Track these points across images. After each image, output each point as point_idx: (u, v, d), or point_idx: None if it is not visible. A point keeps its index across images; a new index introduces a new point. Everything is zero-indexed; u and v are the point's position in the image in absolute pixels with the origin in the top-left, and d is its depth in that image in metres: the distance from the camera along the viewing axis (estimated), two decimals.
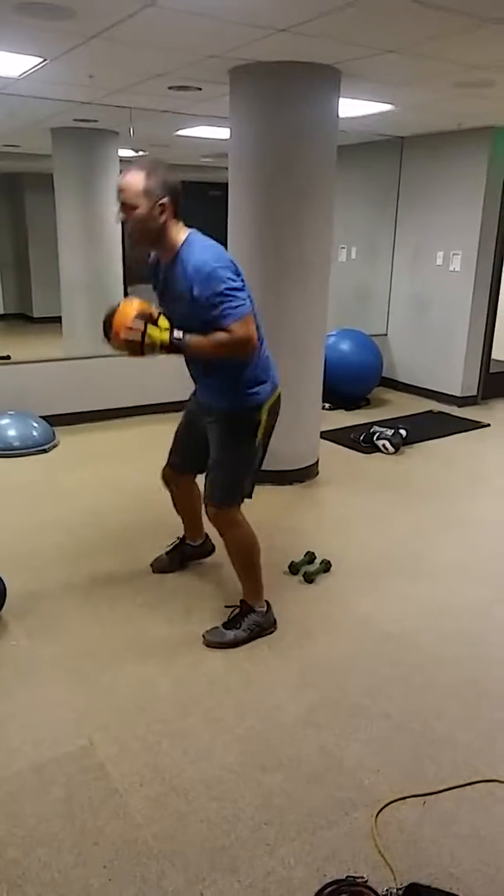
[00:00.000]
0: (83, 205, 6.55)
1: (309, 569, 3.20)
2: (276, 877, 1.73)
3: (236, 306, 2.30)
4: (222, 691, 2.41)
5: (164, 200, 2.33)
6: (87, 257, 6.56)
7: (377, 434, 5.06)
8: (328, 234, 4.12)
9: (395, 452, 4.97)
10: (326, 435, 4.98)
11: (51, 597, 2.99)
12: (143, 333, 2.31)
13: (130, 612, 2.89)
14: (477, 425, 5.76)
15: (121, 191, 2.34)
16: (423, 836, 1.86)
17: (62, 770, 2.05)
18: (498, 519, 3.96)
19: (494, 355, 6.46)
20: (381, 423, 5.35)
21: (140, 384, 5.51)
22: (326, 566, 3.25)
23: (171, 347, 2.36)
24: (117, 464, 4.61)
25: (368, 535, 3.70)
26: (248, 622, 2.70)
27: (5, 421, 4.82)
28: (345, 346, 6.03)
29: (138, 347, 2.33)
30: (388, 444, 4.98)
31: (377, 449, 5.01)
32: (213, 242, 2.42)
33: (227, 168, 4.04)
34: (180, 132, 5.99)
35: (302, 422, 4.33)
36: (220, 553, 2.83)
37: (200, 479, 2.76)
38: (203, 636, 2.68)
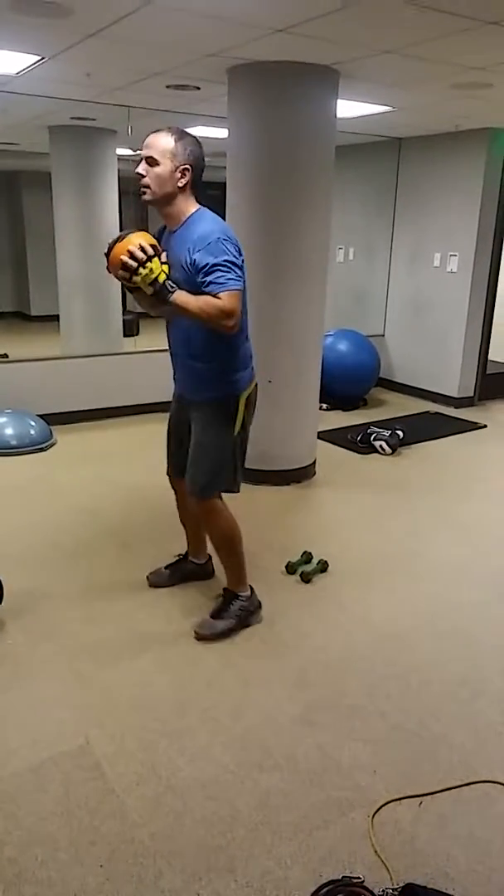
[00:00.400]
0: (81, 203, 6.53)
1: (306, 569, 3.21)
2: (273, 877, 1.73)
3: (231, 278, 2.31)
4: (219, 691, 2.41)
5: (186, 166, 2.38)
6: (84, 255, 6.55)
7: (374, 435, 5.07)
8: (326, 234, 4.12)
9: (391, 453, 4.98)
10: (324, 435, 4.98)
11: (48, 595, 2.98)
12: (141, 264, 2.25)
13: (127, 611, 2.89)
14: (474, 426, 5.77)
15: (147, 145, 2.38)
16: (420, 836, 1.86)
17: (59, 769, 2.05)
18: (494, 519, 3.97)
19: (491, 356, 6.48)
20: (378, 424, 5.36)
21: (138, 383, 5.51)
22: (323, 566, 3.25)
23: (161, 292, 2.29)
24: (115, 463, 4.61)
25: (365, 535, 3.71)
26: (234, 609, 2.75)
27: (2, 419, 4.82)
28: (342, 346, 6.03)
29: (131, 275, 2.26)
30: (385, 445, 4.99)
31: (374, 450, 5.01)
32: (223, 220, 2.45)
33: (224, 168, 4.04)
34: None
35: (299, 422, 4.34)
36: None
37: None
38: (194, 630, 2.70)
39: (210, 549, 2.96)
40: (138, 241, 2.27)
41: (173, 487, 2.94)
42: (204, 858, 1.77)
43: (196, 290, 2.32)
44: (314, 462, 4.52)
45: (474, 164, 5.78)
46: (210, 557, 3.12)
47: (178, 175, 2.38)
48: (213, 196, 3.07)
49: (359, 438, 5.12)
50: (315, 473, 4.51)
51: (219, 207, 4.12)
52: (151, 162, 2.37)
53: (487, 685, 2.50)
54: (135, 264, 2.25)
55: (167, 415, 2.83)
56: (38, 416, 5.00)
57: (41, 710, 2.30)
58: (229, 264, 2.31)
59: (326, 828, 1.88)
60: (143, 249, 2.25)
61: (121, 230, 2.43)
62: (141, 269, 2.25)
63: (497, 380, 6.59)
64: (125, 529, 3.64)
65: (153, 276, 2.27)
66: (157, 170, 2.37)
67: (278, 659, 2.61)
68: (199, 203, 2.48)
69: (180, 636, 2.72)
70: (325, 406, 5.65)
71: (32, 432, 4.84)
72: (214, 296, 2.30)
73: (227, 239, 2.35)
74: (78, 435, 5.16)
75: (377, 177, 6.63)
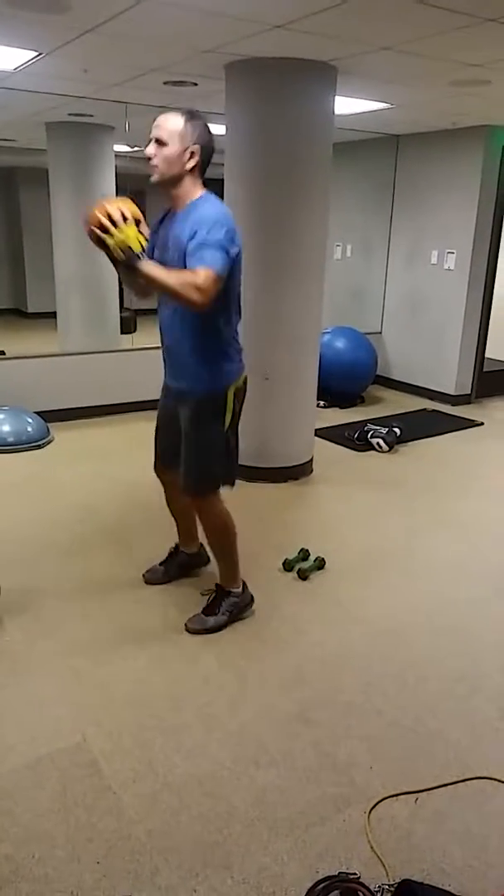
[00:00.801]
0: (78, 200, 6.51)
1: (303, 566, 3.21)
2: (269, 873, 1.73)
3: (214, 259, 2.26)
4: (215, 688, 2.42)
5: (195, 149, 2.37)
6: (81, 252, 6.52)
7: (371, 432, 5.07)
8: (323, 231, 4.12)
9: (389, 450, 4.98)
10: (321, 432, 4.98)
11: (45, 593, 2.98)
12: (115, 225, 2.18)
13: (124, 608, 2.89)
14: (471, 424, 5.77)
15: (157, 126, 2.37)
16: (416, 832, 1.87)
17: (56, 766, 2.05)
18: (491, 517, 3.97)
19: (488, 354, 6.48)
20: (375, 421, 5.36)
21: (135, 380, 5.50)
22: (320, 563, 3.26)
23: (131, 260, 2.21)
24: (112, 460, 4.61)
25: (362, 532, 3.71)
26: (226, 605, 2.76)
27: None
28: (340, 343, 6.03)
29: (104, 238, 2.19)
30: (382, 442, 4.99)
31: (371, 447, 5.02)
32: (227, 208, 2.44)
33: (222, 164, 4.03)
34: None
35: (297, 419, 4.34)
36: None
37: None
38: (185, 625, 2.72)
39: (202, 537, 2.96)
40: (119, 205, 2.22)
41: (161, 478, 2.93)
42: (200, 855, 1.78)
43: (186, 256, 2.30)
44: (311, 459, 4.53)
45: (472, 162, 5.78)
46: (202, 545, 3.12)
47: (187, 157, 2.37)
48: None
49: (356, 436, 5.12)
50: (312, 470, 4.51)
51: None
52: (160, 142, 2.36)
53: (484, 682, 2.50)
54: (109, 224, 2.17)
55: None
56: (35, 413, 4.99)
57: (38, 707, 2.30)
58: (219, 245, 2.28)
59: (323, 824, 1.88)
60: (122, 214, 2.19)
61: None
62: (114, 232, 2.18)
63: (494, 377, 6.60)
64: (122, 526, 3.64)
65: (127, 242, 2.20)
66: (165, 151, 2.36)
67: (275, 656, 2.62)
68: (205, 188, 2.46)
69: (177, 633, 2.72)
70: (322, 403, 5.65)
71: (29, 429, 4.83)
72: (191, 270, 2.25)
73: (225, 224, 2.33)
74: (75, 432, 5.16)
75: (375, 174, 6.63)
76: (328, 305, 4.69)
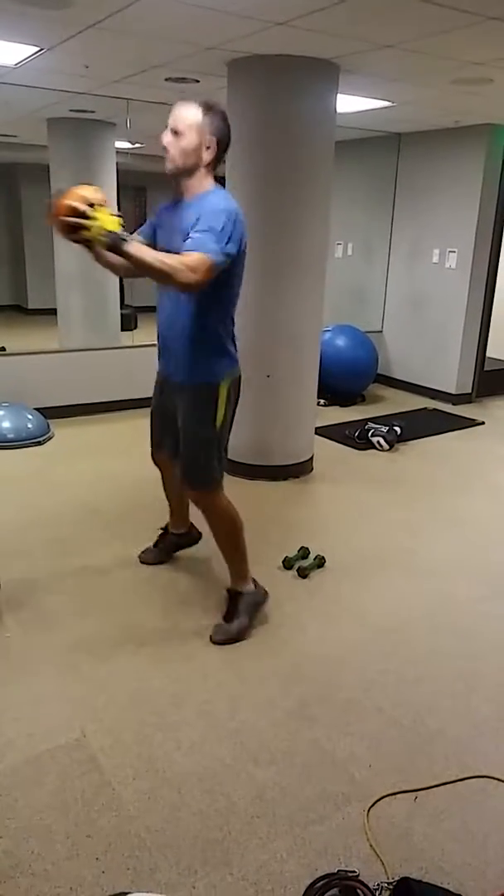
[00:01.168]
0: None
1: (303, 564, 3.21)
2: (268, 870, 1.73)
3: (212, 245, 2.24)
4: (215, 685, 2.42)
5: (212, 142, 2.36)
6: (81, 250, 6.53)
7: (372, 430, 5.07)
8: (325, 229, 4.11)
9: (389, 449, 4.98)
10: (321, 431, 4.98)
11: (45, 589, 2.98)
12: (87, 218, 2.13)
13: (124, 604, 2.89)
14: (471, 423, 5.77)
15: (174, 117, 2.35)
16: (415, 830, 1.87)
17: (55, 762, 2.05)
18: (491, 516, 3.97)
19: (489, 353, 6.48)
20: (375, 420, 5.36)
21: (135, 377, 5.49)
22: (320, 561, 3.26)
23: (116, 243, 2.16)
24: (112, 456, 4.61)
25: (362, 530, 3.71)
26: (243, 606, 2.73)
27: (0, 413, 4.80)
28: (340, 342, 6.03)
29: (76, 229, 2.15)
30: (382, 441, 4.99)
31: (372, 445, 5.01)
32: (237, 204, 2.42)
33: (224, 161, 4.01)
34: None
35: (297, 417, 4.33)
36: (212, 545, 2.83)
37: None
38: (211, 638, 2.66)
39: (202, 529, 2.97)
40: (80, 194, 2.16)
41: (157, 463, 2.94)
42: (200, 851, 1.78)
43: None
44: (312, 457, 4.52)
45: (474, 160, 5.77)
46: (192, 524, 3.16)
47: (203, 149, 2.36)
48: None
49: (356, 434, 5.12)
50: (313, 469, 4.51)
51: None
52: (177, 133, 2.34)
53: (483, 681, 2.50)
54: (79, 220, 2.14)
55: None
56: (35, 409, 4.99)
57: (38, 703, 2.30)
58: (220, 234, 2.26)
59: (322, 822, 1.88)
60: (88, 203, 2.14)
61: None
62: (88, 223, 2.14)
63: (495, 376, 6.60)
64: (122, 523, 3.64)
65: (105, 226, 2.15)
66: (182, 142, 2.34)
67: (274, 653, 2.62)
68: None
69: (177, 630, 2.72)
70: (322, 402, 5.65)
71: (30, 426, 4.83)
72: (183, 252, 2.23)
73: (233, 215, 2.31)
74: (75, 428, 5.15)
75: (376, 172, 6.62)
76: (329, 304, 4.68)
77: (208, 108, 2.36)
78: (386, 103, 4.79)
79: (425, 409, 6.16)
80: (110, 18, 3.04)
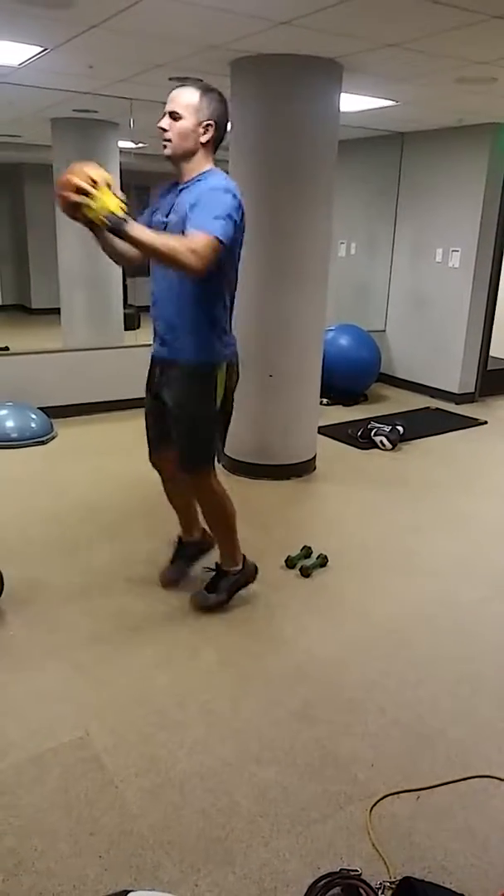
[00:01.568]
0: None
1: (306, 563, 3.21)
2: (271, 869, 1.74)
3: (214, 225, 2.23)
4: (218, 684, 2.42)
5: (210, 122, 2.35)
6: (86, 249, 6.50)
7: (375, 430, 5.07)
8: (328, 228, 4.11)
9: (392, 449, 4.98)
10: (324, 430, 4.98)
11: (48, 588, 2.99)
12: (91, 197, 2.11)
13: (128, 604, 2.90)
14: (474, 422, 5.76)
15: (171, 100, 2.36)
16: (417, 830, 1.87)
17: (59, 761, 2.05)
18: (494, 515, 3.97)
19: (492, 353, 6.47)
20: (378, 419, 5.36)
21: (138, 377, 5.48)
22: (323, 561, 3.26)
23: (118, 225, 2.14)
24: (115, 456, 4.61)
25: (365, 530, 3.71)
26: (225, 584, 2.83)
27: (3, 412, 4.81)
28: (343, 341, 6.03)
29: (79, 208, 2.12)
30: (385, 441, 4.99)
31: (375, 445, 5.01)
32: (235, 183, 2.41)
33: (227, 161, 4.02)
34: None
35: (300, 417, 4.34)
36: (217, 549, 2.83)
37: None
38: (190, 597, 2.82)
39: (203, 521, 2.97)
40: (85, 172, 2.13)
41: (157, 469, 2.92)
42: (202, 850, 1.78)
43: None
44: (314, 457, 4.53)
45: (477, 159, 5.76)
46: (204, 530, 3.09)
47: (202, 131, 2.35)
48: None
49: (359, 433, 5.12)
50: (315, 468, 4.51)
51: None
52: (175, 116, 2.34)
53: (486, 681, 2.50)
54: (82, 198, 2.11)
55: None
56: (38, 408, 5.00)
57: (41, 701, 2.31)
58: (220, 212, 2.25)
59: (324, 821, 1.89)
60: (92, 181, 2.12)
61: None
62: (90, 202, 2.11)
63: (498, 376, 6.58)
64: (125, 522, 3.65)
65: (108, 207, 2.13)
66: (179, 124, 2.34)
67: (277, 653, 2.62)
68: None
69: (180, 629, 2.73)
70: (325, 401, 5.65)
71: (33, 425, 4.84)
72: (188, 233, 2.22)
73: (229, 192, 2.31)
74: (78, 428, 5.16)
75: (380, 171, 6.61)
76: (332, 303, 4.68)
77: (206, 89, 2.36)
78: (389, 102, 4.79)
79: (428, 408, 6.15)
80: (114, 18, 3.05)
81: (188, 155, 2.39)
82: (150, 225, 2.51)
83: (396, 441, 5.00)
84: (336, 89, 3.87)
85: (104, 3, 2.86)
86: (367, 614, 2.91)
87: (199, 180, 2.39)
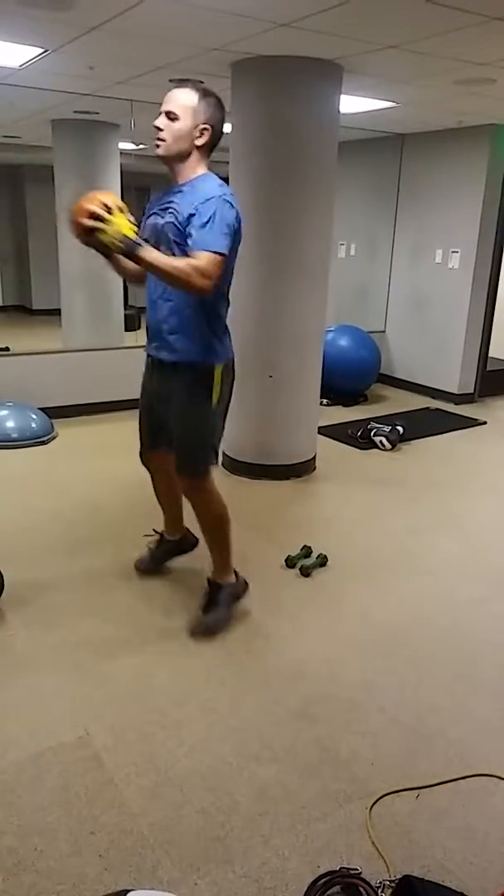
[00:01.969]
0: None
1: (305, 563, 3.22)
2: (271, 867, 1.74)
3: (218, 241, 2.25)
4: (218, 683, 2.42)
5: (206, 126, 2.35)
6: (86, 250, 6.51)
7: (374, 430, 5.07)
8: (328, 230, 4.12)
9: (391, 449, 4.99)
10: (324, 430, 4.98)
11: (48, 588, 2.99)
12: (105, 222, 2.18)
13: (127, 603, 2.90)
14: (473, 423, 5.77)
15: (168, 100, 2.35)
16: (417, 828, 1.87)
17: (58, 760, 2.06)
18: (493, 516, 3.98)
19: (492, 353, 6.48)
20: (378, 420, 5.36)
21: (139, 378, 5.50)
22: (323, 560, 3.26)
23: (132, 249, 2.20)
24: (115, 456, 4.61)
25: (365, 530, 3.71)
26: (222, 598, 2.74)
27: (4, 412, 4.82)
28: (343, 342, 6.04)
29: (94, 234, 2.19)
30: (385, 441, 4.99)
31: (374, 445, 5.02)
32: (229, 188, 2.42)
33: (227, 162, 4.03)
34: None
35: (300, 417, 4.34)
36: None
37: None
38: (190, 631, 2.69)
39: (189, 523, 2.95)
40: (99, 199, 2.19)
41: (148, 466, 2.91)
42: (202, 849, 1.79)
43: (185, 237, 2.30)
44: (314, 457, 4.53)
45: (477, 161, 5.77)
46: (187, 529, 3.10)
47: (197, 133, 2.35)
48: None
49: (359, 434, 5.12)
50: (315, 468, 4.52)
51: None
52: (171, 116, 2.34)
53: (485, 680, 2.51)
54: (96, 224, 2.17)
55: None
56: (39, 409, 5.01)
57: (41, 700, 2.31)
58: (221, 227, 2.26)
59: (324, 819, 1.89)
60: (106, 207, 2.18)
61: None
62: (105, 227, 2.17)
63: (497, 376, 6.59)
64: (125, 523, 3.65)
65: (122, 231, 2.19)
66: (176, 125, 2.34)
67: (276, 651, 2.62)
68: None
69: (179, 629, 2.73)
70: (325, 401, 5.65)
71: (34, 425, 4.85)
72: (192, 254, 2.24)
73: (230, 205, 2.32)
74: (79, 428, 5.17)
75: (379, 173, 6.62)
76: (332, 304, 4.69)
77: (205, 93, 2.35)
78: (389, 104, 4.80)
79: (427, 408, 6.16)
80: (114, 20, 3.06)
81: (182, 156, 2.39)
82: (144, 227, 2.52)
83: (396, 441, 5.01)
84: (336, 91, 3.88)
85: (105, 4, 2.87)
86: (367, 614, 2.91)
87: (193, 185, 2.40)
